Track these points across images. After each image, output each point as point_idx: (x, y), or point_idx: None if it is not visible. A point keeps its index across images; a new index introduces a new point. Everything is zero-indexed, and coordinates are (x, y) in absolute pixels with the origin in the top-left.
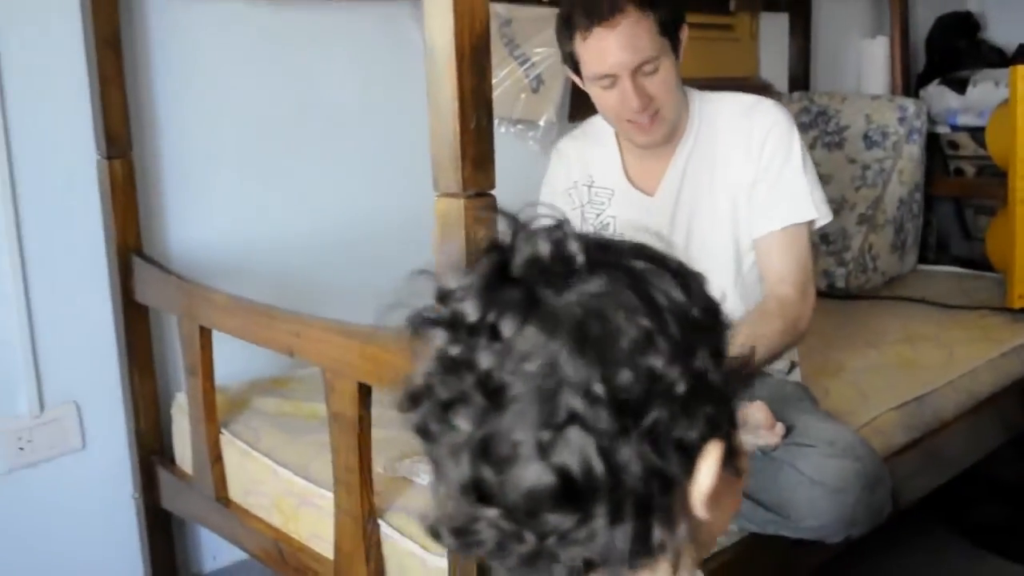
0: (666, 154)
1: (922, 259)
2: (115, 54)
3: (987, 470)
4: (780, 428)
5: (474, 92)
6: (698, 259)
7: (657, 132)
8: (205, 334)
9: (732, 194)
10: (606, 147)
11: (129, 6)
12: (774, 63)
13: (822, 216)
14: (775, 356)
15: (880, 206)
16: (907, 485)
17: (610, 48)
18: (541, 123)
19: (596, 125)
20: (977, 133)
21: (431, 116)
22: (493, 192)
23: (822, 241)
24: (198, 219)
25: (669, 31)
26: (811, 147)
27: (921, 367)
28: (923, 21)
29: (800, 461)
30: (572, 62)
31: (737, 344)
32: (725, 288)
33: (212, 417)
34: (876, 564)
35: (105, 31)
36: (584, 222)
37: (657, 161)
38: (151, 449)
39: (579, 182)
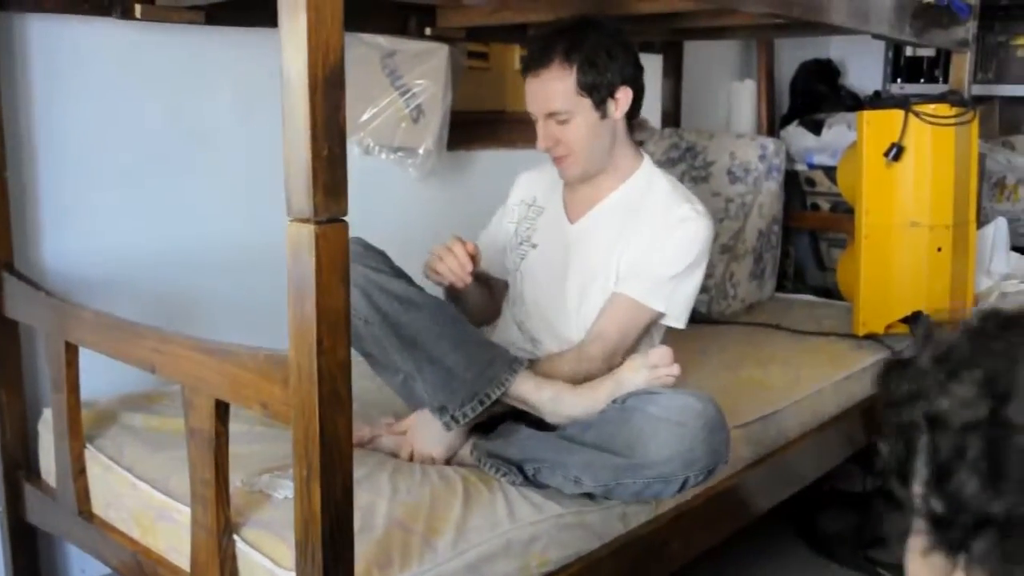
0: (600, 194)
1: (780, 287)
2: None
3: (833, 484)
4: (676, 368)
5: (327, 122)
6: (574, 282)
7: (567, 171)
8: (71, 350)
9: (627, 256)
10: (556, 174)
11: (7, 26)
12: (648, 101)
13: (674, 319)
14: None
15: (741, 237)
16: (755, 497)
17: (530, 93)
18: (420, 151)
19: None
20: (831, 171)
21: (285, 143)
22: (346, 218)
23: None
24: (74, 236)
25: (593, 92)
26: (680, 179)
27: (769, 388)
28: (787, 66)
29: (649, 406)
30: None
31: (559, 372)
32: (571, 315)
33: (76, 432)
34: (725, 573)
35: None
36: (516, 235)
37: (591, 195)
38: (16, 464)
39: (524, 200)
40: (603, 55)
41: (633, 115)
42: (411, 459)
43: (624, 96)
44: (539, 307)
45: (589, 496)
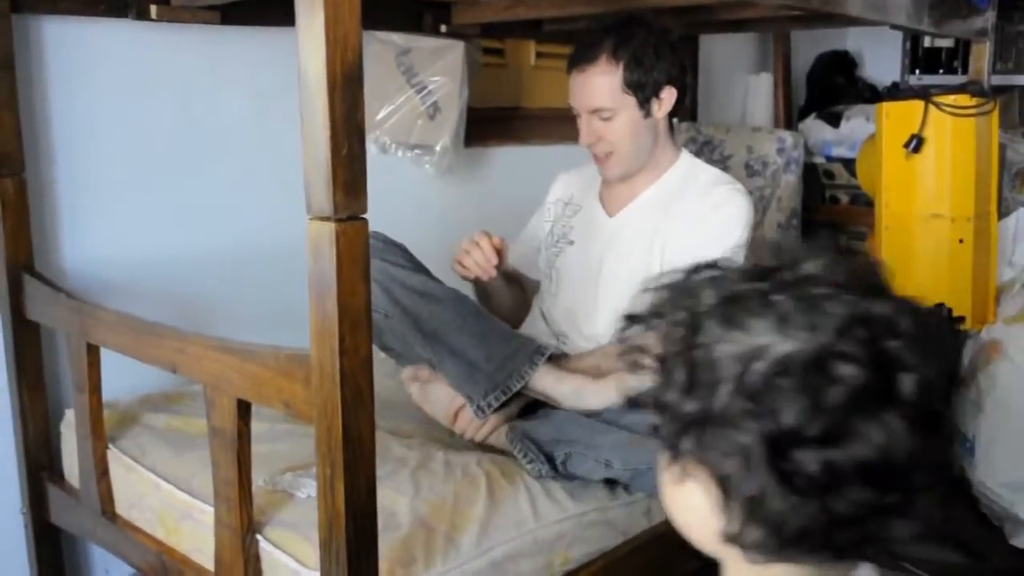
0: (636, 189)
1: None
2: (8, 75)
3: None
4: None
5: (346, 119)
6: (611, 276)
7: (609, 170)
8: (93, 351)
9: (669, 247)
10: (594, 173)
11: (23, 28)
12: None
13: None
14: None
15: (760, 231)
16: None
17: (574, 89)
18: (437, 148)
19: None
20: (850, 164)
21: (304, 141)
22: (365, 216)
23: None
24: (93, 237)
25: (638, 90)
26: None
27: None
28: (804, 59)
29: None
30: None
31: (581, 366)
32: (603, 311)
33: (99, 433)
34: None
35: None
36: (551, 233)
37: (628, 190)
38: (40, 465)
39: (560, 200)
40: (650, 54)
41: (675, 114)
42: (455, 419)
43: (669, 96)
44: (569, 302)
45: (616, 486)
